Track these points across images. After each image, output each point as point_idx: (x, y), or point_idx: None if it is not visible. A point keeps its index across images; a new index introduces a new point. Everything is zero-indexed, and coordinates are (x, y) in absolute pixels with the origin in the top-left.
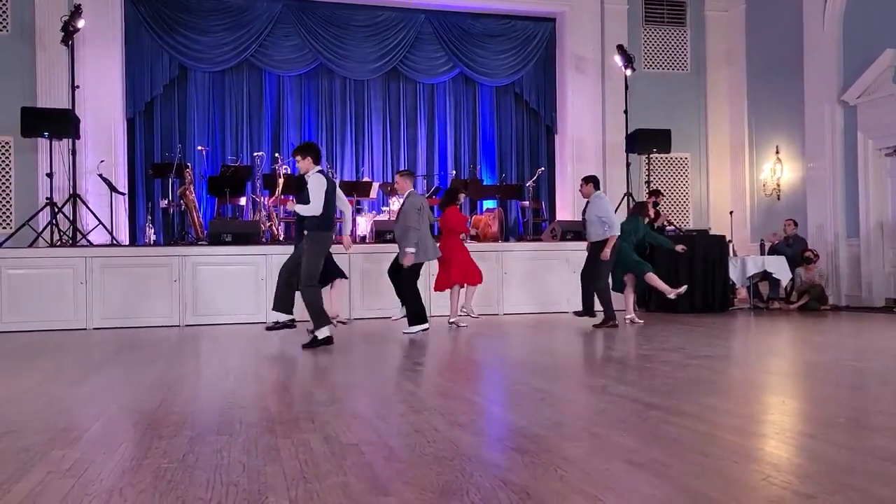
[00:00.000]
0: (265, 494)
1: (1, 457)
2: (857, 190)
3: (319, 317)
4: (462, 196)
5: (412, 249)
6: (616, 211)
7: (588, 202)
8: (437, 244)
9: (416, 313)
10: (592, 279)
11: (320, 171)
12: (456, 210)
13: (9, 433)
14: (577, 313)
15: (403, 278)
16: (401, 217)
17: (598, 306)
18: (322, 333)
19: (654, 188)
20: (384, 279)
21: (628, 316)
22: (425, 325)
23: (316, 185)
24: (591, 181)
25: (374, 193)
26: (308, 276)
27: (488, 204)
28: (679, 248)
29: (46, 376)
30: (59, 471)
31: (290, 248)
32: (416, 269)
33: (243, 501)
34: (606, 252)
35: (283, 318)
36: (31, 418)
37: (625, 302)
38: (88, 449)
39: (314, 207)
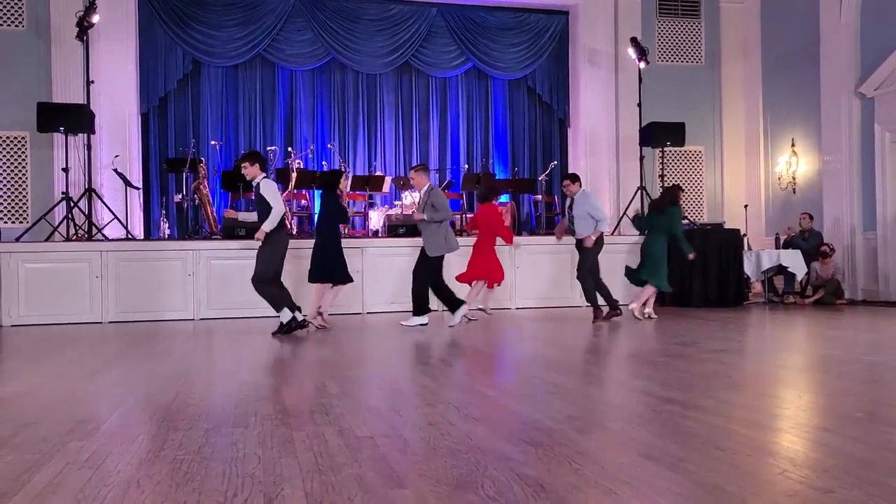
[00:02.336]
0: (280, 486)
1: (20, 448)
2: (873, 183)
3: (279, 303)
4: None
5: (425, 216)
6: (629, 205)
7: (573, 200)
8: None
9: (420, 305)
10: (590, 274)
11: (266, 177)
12: (494, 207)
13: (28, 425)
14: (603, 319)
15: (424, 272)
16: (428, 209)
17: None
18: (285, 316)
19: (675, 183)
20: (394, 274)
21: (633, 306)
22: (425, 321)
23: (272, 191)
24: (577, 180)
25: (386, 188)
26: (263, 272)
27: (501, 198)
28: (691, 256)
29: (63, 369)
30: (77, 462)
31: (302, 242)
32: (437, 262)
33: (259, 493)
34: (591, 239)
35: (286, 316)
36: (49, 410)
37: (638, 294)
38: (106, 441)
39: (279, 210)
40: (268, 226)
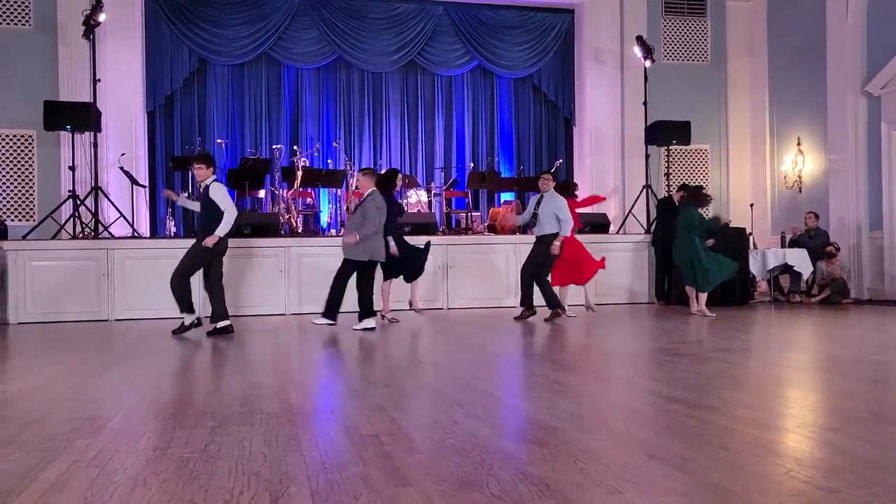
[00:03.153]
0: (286, 484)
1: (27, 445)
2: (880, 182)
3: (187, 304)
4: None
5: (357, 237)
6: (634, 204)
7: (542, 197)
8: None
9: (366, 308)
10: (535, 270)
11: (216, 180)
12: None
13: (35, 422)
14: (517, 318)
15: (362, 280)
16: (359, 213)
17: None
18: (189, 319)
19: (683, 182)
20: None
21: (696, 310)
22: (371, 324)
23: (223, 194)
24: (555, 178)
25: None
26: (186, 269)
27: (506, 196)
28: (709, 242)
29: (70, 367)
30: (83, 459)
31: (309, 240)
32: (366, 269)
33: (265, 491)
34: (556, 245)
35: (189, 318)
36: (57, 408)
37: (689, 297)
38: (112, 438)
39: (233, 214)
40: (222, 230)
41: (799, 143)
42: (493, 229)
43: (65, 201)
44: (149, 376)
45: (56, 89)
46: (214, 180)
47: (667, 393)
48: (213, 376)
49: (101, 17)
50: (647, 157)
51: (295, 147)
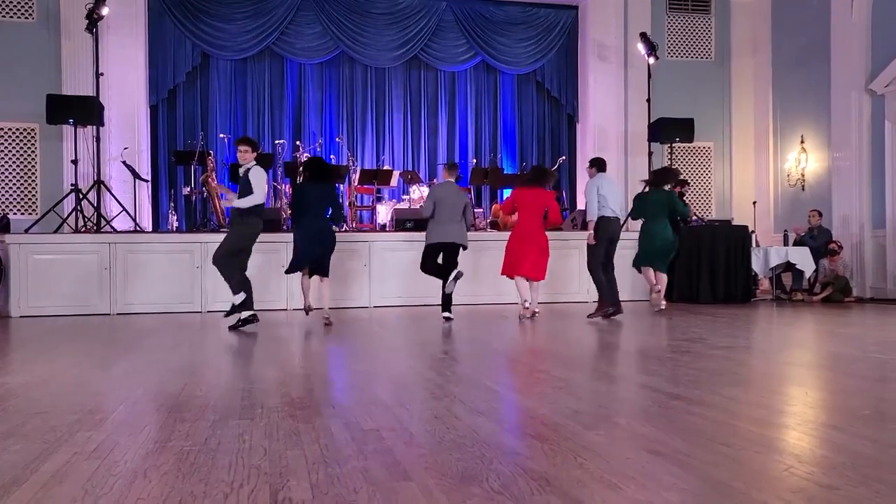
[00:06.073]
0: (286, 478)
1: (29, 437)
2: (883, 180)
3: (240, 285)
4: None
5: None
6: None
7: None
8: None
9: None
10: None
11: (257, 164)
12: (519, 191)
13: (36, 414)
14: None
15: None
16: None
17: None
18: (239, 299)
19: (681, 178)
20: (401, 268)
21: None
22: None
23: (261, 177)
24: (592, 165)
25: (394, 181)
26: (228, 252)
27: (508, 193)
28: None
29: (73, 360)
30: (84, 452)
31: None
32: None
33: (265, 484)
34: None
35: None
36: (58, 400)
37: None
38: (113, 431)
39: (258, 197)
40: (241, 202)
41: (802, 141)
42: (495, 226)
43: (67, 195)
44: (150, 370)
45: (59, 83)
46: (255, 165)
47: (668, 389)
48: (214, 370)
49: (104, 11)
50: (651, 154)
51: (297, 142)
